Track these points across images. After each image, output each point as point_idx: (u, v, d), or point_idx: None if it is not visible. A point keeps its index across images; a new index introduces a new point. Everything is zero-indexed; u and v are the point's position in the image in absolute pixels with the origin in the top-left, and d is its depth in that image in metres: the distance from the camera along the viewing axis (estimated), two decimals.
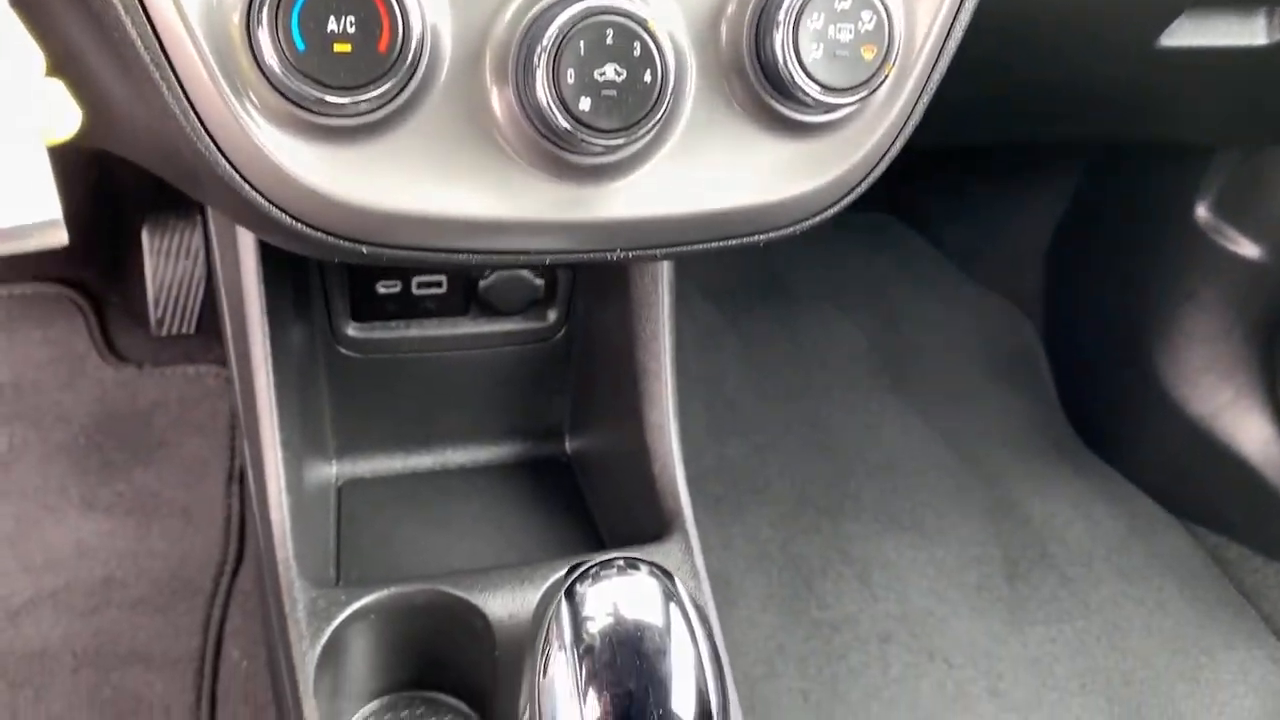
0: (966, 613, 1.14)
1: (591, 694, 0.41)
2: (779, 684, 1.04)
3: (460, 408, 0.89)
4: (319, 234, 0.48)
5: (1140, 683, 1.09)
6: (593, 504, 0.88)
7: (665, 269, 0.78)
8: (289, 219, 0.48)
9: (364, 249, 0.49)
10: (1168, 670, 1.11)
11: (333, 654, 0.68)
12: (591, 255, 0.52)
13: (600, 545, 0.83)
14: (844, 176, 0.53)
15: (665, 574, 0.45)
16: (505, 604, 0.70)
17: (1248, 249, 1.15)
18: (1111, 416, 1.34)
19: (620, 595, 0.44)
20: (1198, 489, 1.24)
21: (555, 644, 0.43)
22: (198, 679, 0.95)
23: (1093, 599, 1.17)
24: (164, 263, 1.13)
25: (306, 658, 0.65)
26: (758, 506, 1.21)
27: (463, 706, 0.75)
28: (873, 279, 1.52)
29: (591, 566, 0.45)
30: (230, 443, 1.14)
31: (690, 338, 1.37)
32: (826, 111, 0.50)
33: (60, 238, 0.38)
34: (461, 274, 0.82)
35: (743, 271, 1.49)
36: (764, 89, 0.49)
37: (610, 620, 0.43)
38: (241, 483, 1.11)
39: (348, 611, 0.67)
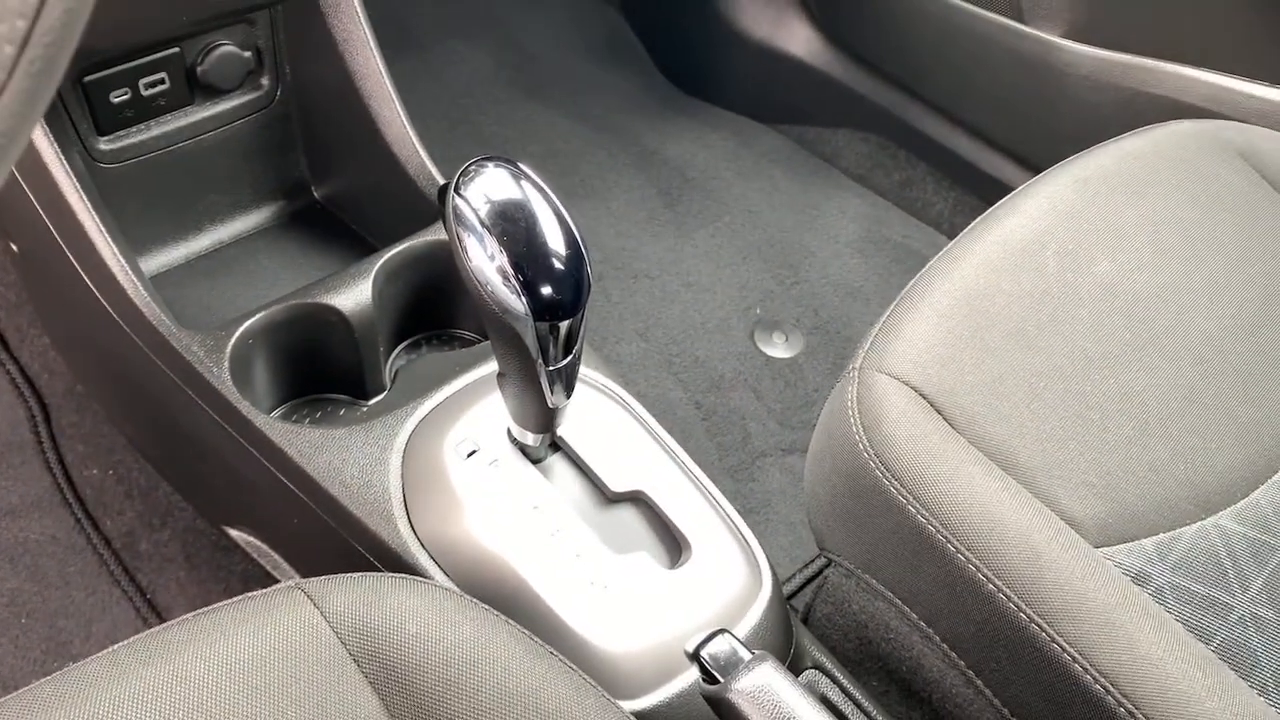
0: (649, 240, 1.44)
1: (506, 252, 0.62)
2: None
3: (216, 190, 1.02)
4: None
5: (779, 242, 1.46)
6: (361, 228, 1.05)
7: (360, 11, 0.94)
8: None
9: None
10: (795, 226, 1.48)
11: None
12: None
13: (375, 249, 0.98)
14: None
15: (510, 161, 0.66)
16: (350, 297, 0.88)
17: None
18: (698, 63, 1.65)
19: (489, 183, 0.65)
20: (774, 95, 1.60)
21: (465, 235, 0.63)
22: (66, 507, 1.05)
23: (728, 199, 1.51)
24: None
25: (222, 379, 0.80)
26: None
27: (344, 397, 0.94)
28: (479, 5, 1.70)
29: (458, 176, 0.65)
30: None
31: None
32: None
33: None
34: (179, 65, 0.93)
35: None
36: None
37: (495, 200, 0.63)
38: (4, 344, 1.16)
39: (236, 335, 0.82)
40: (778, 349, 1.33)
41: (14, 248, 1.00)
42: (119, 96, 0.91)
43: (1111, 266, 0.85)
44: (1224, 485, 0.77)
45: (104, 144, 0.92)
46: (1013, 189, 1.39)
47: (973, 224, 0.90)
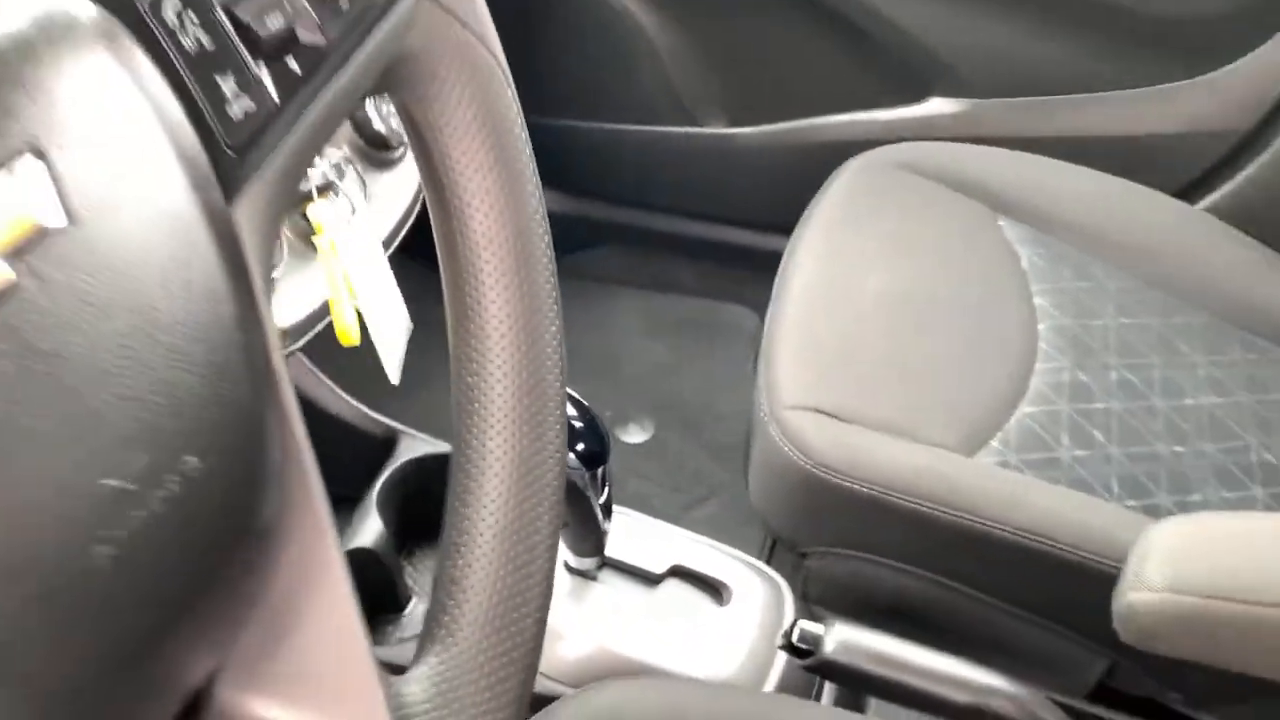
0: None
1: None
2: None
3: None
4: None
5: (586, 358, 1.73)
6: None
7: None
8: None
9: None
10: (596, 340, 1.76)
11: None
12: None
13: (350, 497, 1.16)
14: None
15: None
16: (368, 533, 1.05)
17: None
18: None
19: None
20: None
21: None
22: None
23: None
24: None
25: None
26: None
27: (386, 616, 1.10)
28: None
29: None
30: None
31: None
32: None
33: None
34: None
35: None
36: None
37: None
38: None
39: None
40: (637, 436, 1.60)
41: None
42: None
43: (877, 279, 1.20)
44: (1014, 386, 1.12)
45: None
46: (750, 248, 1.75)
47: (775, 285, 1.22)
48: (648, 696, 0.79)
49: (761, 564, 1.03)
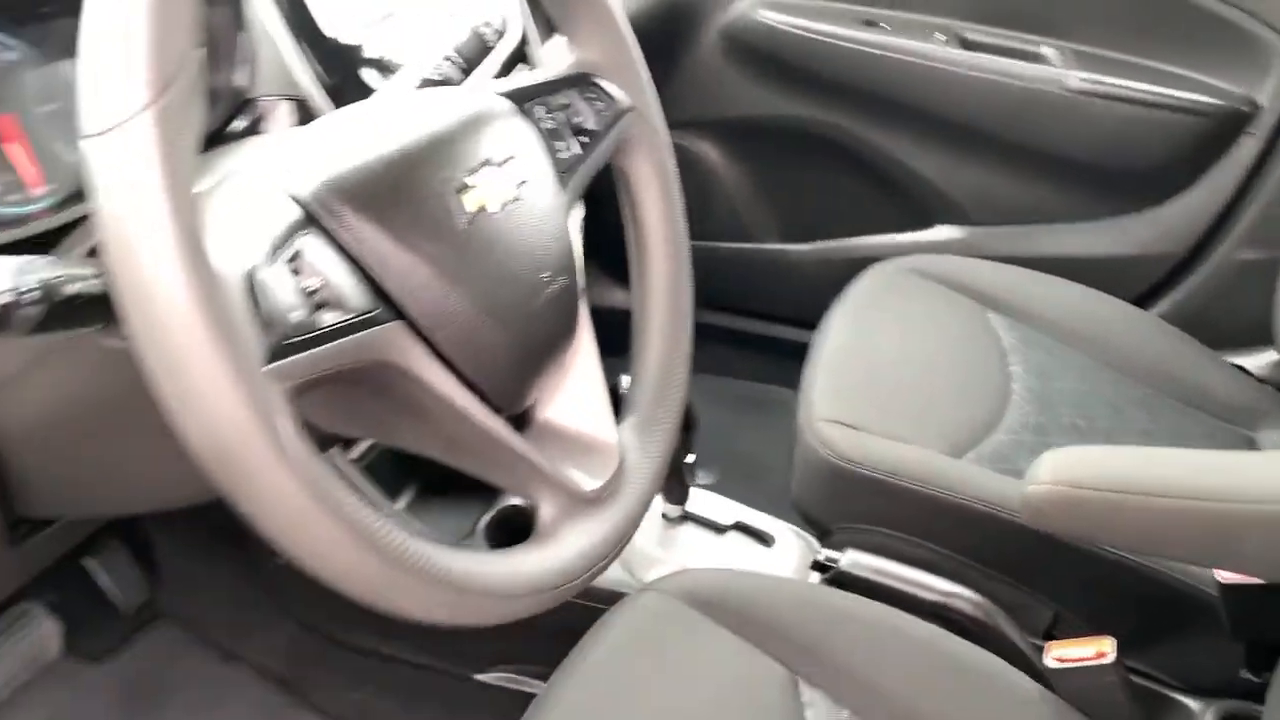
0: None
1: None
2: None
3: None
4: None
5: None
6: None
7: None
8: None
9: None
10: None
11: None
12: None
13: None
14: None
15: None
16: None
17: None
18: None
19: None
20: None
21: None
22: None
23: None
24: None
25: None
26: None
27: None
28: None
29: None
30: None
31: None
32: None
33: None
34: None
35: None
36: None
37: None
38: None
39: None
40: (705, 479, 1.99)
41: None
42: None
43: (889, 341, 1.61)
44: (990, 420, 1.51)
45: None
46: (793, 341, 2.15)
47: (813, 341, 1.63)
48: (720, 579, 1.17)
49: (796, 527, 1.42)
